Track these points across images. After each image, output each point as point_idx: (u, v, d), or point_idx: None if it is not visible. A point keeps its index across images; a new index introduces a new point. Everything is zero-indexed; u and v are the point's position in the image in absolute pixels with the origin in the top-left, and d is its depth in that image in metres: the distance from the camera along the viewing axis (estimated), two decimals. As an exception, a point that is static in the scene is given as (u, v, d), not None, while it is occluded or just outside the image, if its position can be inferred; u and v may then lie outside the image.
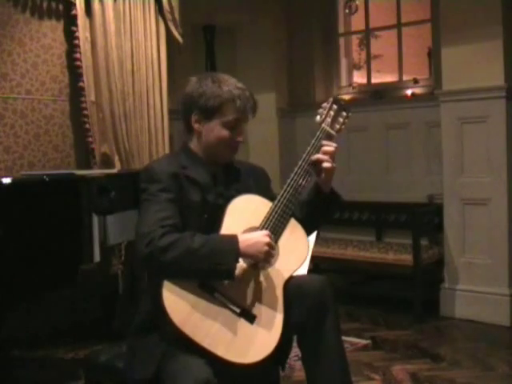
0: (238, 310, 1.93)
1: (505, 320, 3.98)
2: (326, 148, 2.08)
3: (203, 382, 1.75)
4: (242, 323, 1.92)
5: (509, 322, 3.97)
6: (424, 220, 4.40)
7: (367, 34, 5.35)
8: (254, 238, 1.94)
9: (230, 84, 2.10)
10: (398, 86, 5.08)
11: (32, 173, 3.64)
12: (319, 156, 2.07)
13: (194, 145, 2.16)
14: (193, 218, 2.02)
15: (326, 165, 2.06)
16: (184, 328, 1.85)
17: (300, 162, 2.08)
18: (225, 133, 2.09)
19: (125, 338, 2.10)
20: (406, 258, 4.22)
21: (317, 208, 2.15)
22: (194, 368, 1.80)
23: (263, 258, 1.94)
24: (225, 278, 1.92)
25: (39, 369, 3.40)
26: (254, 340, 1.91)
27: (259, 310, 1.95)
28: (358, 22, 5.41)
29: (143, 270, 3.31)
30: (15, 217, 2.67)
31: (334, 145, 2.09)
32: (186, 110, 2.13)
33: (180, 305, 1.88)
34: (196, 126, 2.12)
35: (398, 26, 5.07)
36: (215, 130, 2.09)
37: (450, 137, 4.18)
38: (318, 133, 2.11)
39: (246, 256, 1.93)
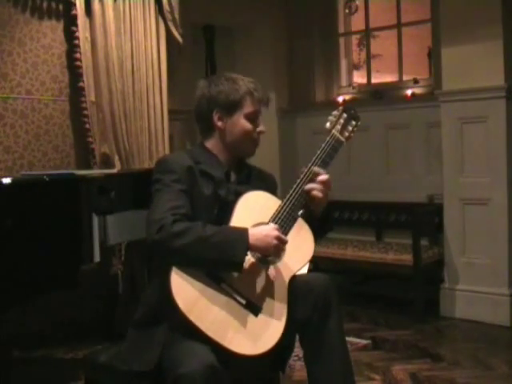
0: (243, 302, 1.93)
1: (505, 320, 3.97)
2: (320, 177, 2.08)
3: (208, 366, 1.74)
4: (247, 315, 1.93)
5: (509, 321, 3.97)
6: (424, 220, 4.40)
7: (367, 34, 5.35)
8: (263, 232, 1.95)
9: (243, 79, 2.17)
10: (398, 86, 5.08)
11: (32, 173, 3.63)
12: (312, 185, 2.07)
13: (210, 143, 2.18)
14: (203, 211, 2.04)
15: (315, 193, 2.06)
16: (189, 315, 1.84)
17: (310, 165, 2.09)
18: (248, 125, 2.14)
19: (125, 337, 2.09)
20: (406, 258, 4.22)
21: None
22: (198, 352, 1.79)
23: (272, 252, 1.96)
24: (233, 269, 1.93)
25: (39, 369, 3.40)
26: (258, 332, 1.91)
27: (264, 303, 1.96)
28: (357, 22, 5.42)
29: (148, 260, 3.28)
30: (15, 217, 2.66)
31: (327, 176, 2.08)
32: (205, 111, 2.15)
33: (187, 291, 1.88)
34: (219, 123, 2.14)
35: (398, 26, 5.08)
36: (239, 123, 2.14)
37: (450, 137, 4.18)
38: (328, 138, 2.14)
39: (255, 249, 1.95)
